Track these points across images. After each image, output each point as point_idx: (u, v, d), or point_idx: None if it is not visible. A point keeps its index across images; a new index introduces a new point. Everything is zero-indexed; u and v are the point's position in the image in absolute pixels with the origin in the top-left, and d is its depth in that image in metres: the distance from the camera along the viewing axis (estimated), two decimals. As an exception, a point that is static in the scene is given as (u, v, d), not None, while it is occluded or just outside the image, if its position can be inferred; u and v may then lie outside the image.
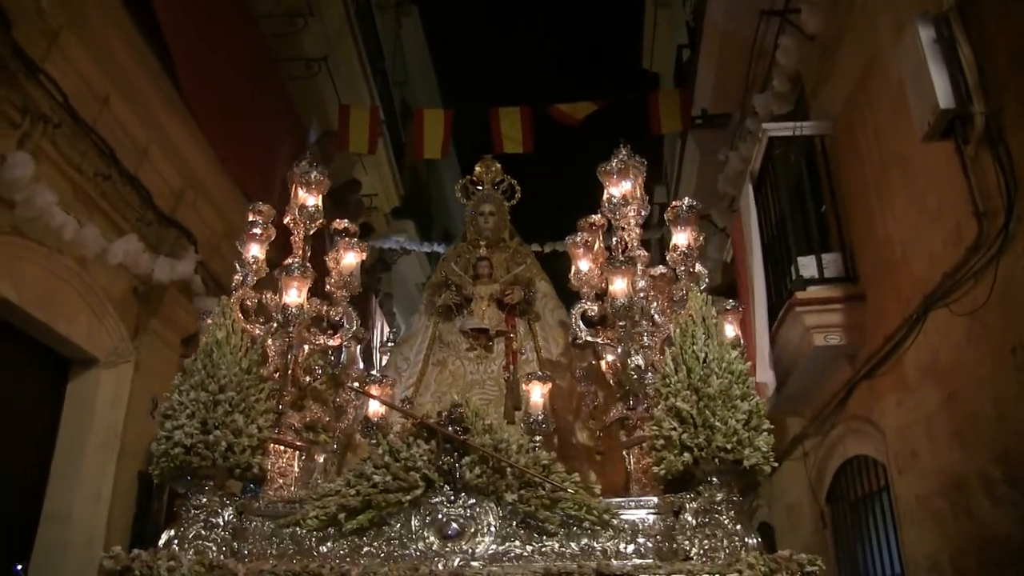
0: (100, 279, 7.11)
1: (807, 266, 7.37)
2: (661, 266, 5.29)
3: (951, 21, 5.37)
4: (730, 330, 4.94)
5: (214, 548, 4.19)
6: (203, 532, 4.23)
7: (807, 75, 8.73)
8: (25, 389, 6.97)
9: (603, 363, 5.26)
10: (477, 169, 6.91)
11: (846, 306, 7.28)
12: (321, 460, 5.32)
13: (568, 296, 6.02)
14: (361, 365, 6.20)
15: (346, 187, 13.12)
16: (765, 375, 7.33)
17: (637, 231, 5.19)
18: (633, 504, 4.34)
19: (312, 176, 5.25)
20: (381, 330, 12.07)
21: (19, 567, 6.57)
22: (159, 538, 4.31)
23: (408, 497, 4.24)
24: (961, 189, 5.47)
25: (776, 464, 4.29)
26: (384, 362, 6.62)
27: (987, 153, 5.20)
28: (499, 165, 6.99)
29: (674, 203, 5.10)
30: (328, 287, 5.35)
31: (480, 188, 6.86)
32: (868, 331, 7.18)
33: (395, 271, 16.82)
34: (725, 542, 4.02)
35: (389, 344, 6.90)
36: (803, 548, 4.54)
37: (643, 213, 5.26)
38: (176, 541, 4.19)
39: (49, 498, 7.06)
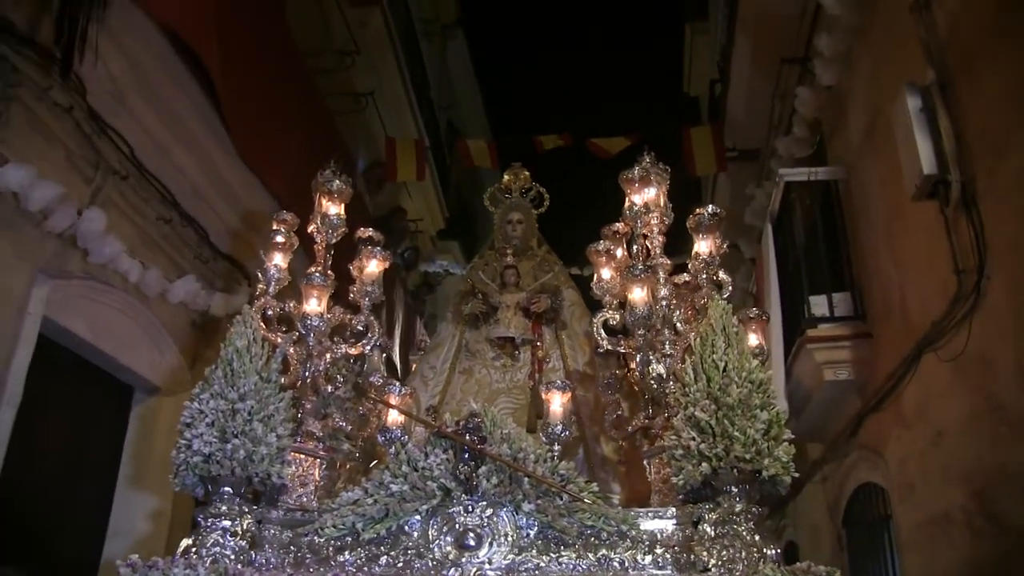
0: (161, 314, 7.57)
1: (819, 304, 7.75)
2: (685, 274, 5.24)
3: (933, 94, 5.80)
4: (753, 339, 4.88)
5: (231, 556, 4.19)
6: (220, 540, 4.22)
7: (825, 121, 9.06)
8: (94, 416, 7.41)
9: (627, 372, 5.24)
10: (506, 177, 6.96)
11: (854, 343, 7.62)
12: (345, 469, 5.34)
13: (596, 306, 6.01)
14: (384, 374, 6.21)
15: (391, 215, 13.48)
16: (780, 404, 7.57)
17: (660, 239, 5.15)
18: (651, 514, 4.32)
19: (335, 185, 5.29)
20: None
21: None
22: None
23: (426, 506, 4.25)
24: (947, 245, 5.85)
25: (796, 475, 4.23)
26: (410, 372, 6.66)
27: (963, 216, 5.61)
28: (527, 173, 7.01)
29: (697, 210, 5.07)
30: (351, 296, 5.36)
31: (509, 196, 6.87)
32: (875, 367, 7.46)
33: (440, 291, 17.04)
34: (744, 553, 3.95)
35: (418, 352, 6.93)
36: (823, 569, 4.59)
37: (666, 221, 5.22)
38: (194, 549, 4.20)
39: (114, 515, 7.48)
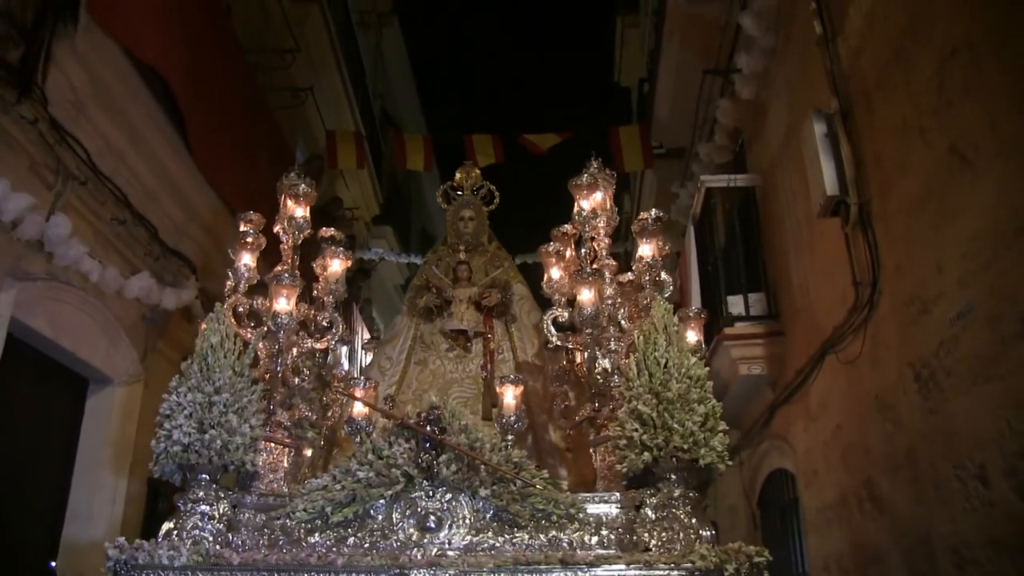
0: (115, 309, 7.86)
1: (735, 304, 8.21)
2: (629, 273, 5.60)
3: (836, 121, 6.22)
4: (692, 335, 5.25)
5: (210, 539, 4.50)
6: (200, 524, 4.54)
7: (744, 130, 9.50)
8: (51, 406, 7.74)
9: (576, 362, 5.59)
10: (457, 175, 7.18)
11: (767, 341, 8.10)
12: (308, 454, 5.65)
13: (545, 301, 6.34)
14: (346, 366, 6.51)
15: (329, 204, 13.81)
16: None
17: (606, 241, 5.51)
18: (598, 499, 4.71)
19: (300, 188, 5.56)
20: (362, 335, 12.53)
21: (52, 564, 7.13)
22: (166, 534, 4.63)
23: (390, 492, 4.59)
24: (847, 259, 6.30)
25: (731, 463, 4.63)
26: (368, 362, 6.94)
27: (861, 235, 6.05)
28: (479, 171, 7.29)
29: (641, 215, 5.43)
30: (315, 293, 5.65)
31: (460, 194, 7.15)
32: (786, 363, 7.96)
33: (374, 276, 17.32)
34: (681, 535, 4.37)
35: (374, 340, 7.22)
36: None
37: (612, 224, 5.58)
38: (175, 532, 4.51)
39: (72, 500, 7.81)
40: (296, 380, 5.35)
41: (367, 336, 12.50)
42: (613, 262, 5.49)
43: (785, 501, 8.56)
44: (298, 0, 12.80)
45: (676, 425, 4.42)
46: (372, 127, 17.22)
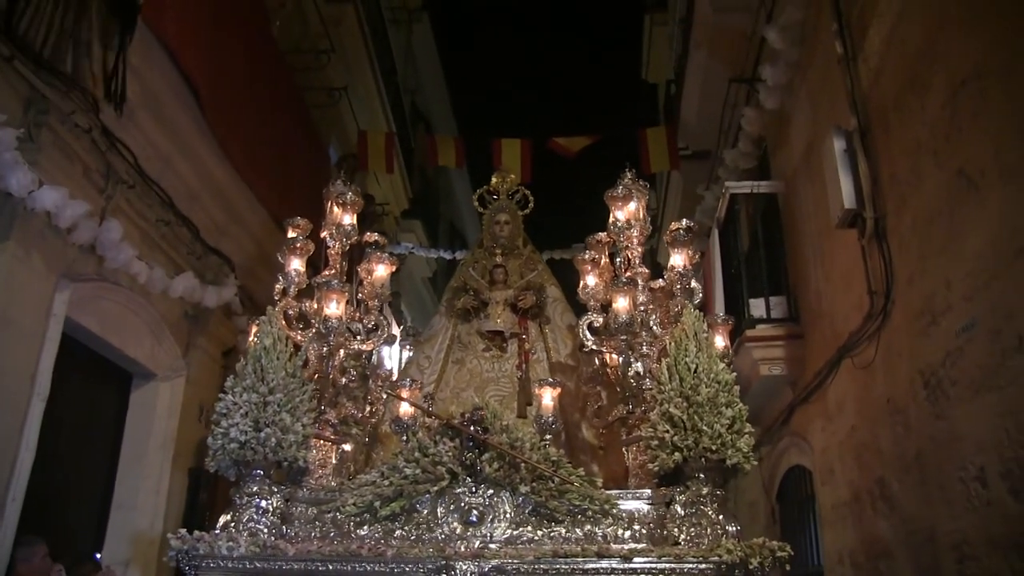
0: (160, 307, 8.27)
1: (757, 307, 8.45)
2: (661, 280, 5.84)
3: (855, 138, 6.45)
4: (720, 341, 5.49)
5: (265, 531, 4.79)
6: (255, 516, 4.83)
7: (768, 138, 9.73)
8: (98, 400, 8.20)
9: (608, 361, 5.83)
10: (493, 180, 7.38)
11: (788, 343, 8.33)
12: (348, 449, 5.91)
13: (576, 302, 6.58)
14: (388, 365, 6.76)
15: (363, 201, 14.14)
16: None
17: (639, 250, 5.76)
18: (631, 496, 4.98)
19: (348, 196, 5.83)
20: (391, 328, 12.88)
21: (98, 556, 7.47)
22: (205, 523, 4.91)
23: (435, 488, 4.85)
24: (863, 269, 6.54)
25: (756, 463, 4.88)
26: (404, 358, 7.20)
27: (876, 247, 6.30)
28: (514, 176, 7.50)
29: (673, 225, 5.66)
30: (360, 296, 5.91)
31: (496, 198, 7.37)
32: (805, 364, 8.20)
33: (403, 271, 17.58)
34: (709, 530, 4.64)
35: (409, 336, 7.45)
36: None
37: (645, 233, 5.82)
38: (232, 524, 4.80)
39: (118, 490, 8.25)
40: (343, 380, 5.62)
41: (396, 327, 12.76)
42: (646, 270, 5.72)
43: (802, 497, 8.80)
44: (333, 0, 13.06)
45: (705, 427, 4.68)
46: (403, 123, 17.49)
